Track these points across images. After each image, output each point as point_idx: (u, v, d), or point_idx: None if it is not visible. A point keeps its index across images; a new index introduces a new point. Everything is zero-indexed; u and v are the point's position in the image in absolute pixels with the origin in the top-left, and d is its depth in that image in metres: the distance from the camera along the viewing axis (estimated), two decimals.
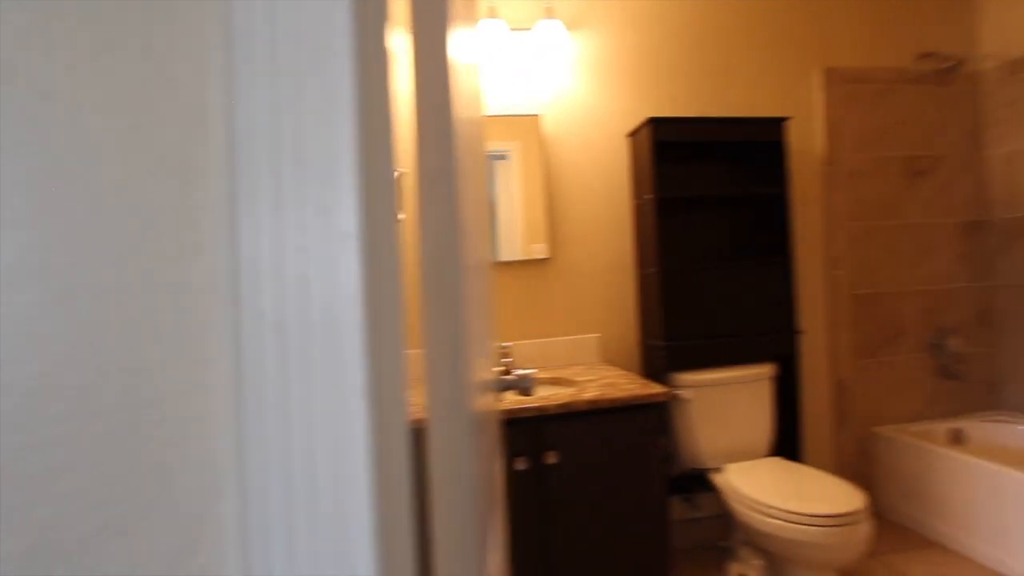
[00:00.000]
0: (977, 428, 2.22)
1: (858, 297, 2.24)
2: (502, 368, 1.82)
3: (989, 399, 2.36)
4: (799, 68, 2.21)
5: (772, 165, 1.97)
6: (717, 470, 1.82)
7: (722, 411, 1.85)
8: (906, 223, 2.30)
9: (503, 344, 1.86)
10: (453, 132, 0.41)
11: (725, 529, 1.93)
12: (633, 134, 1.99)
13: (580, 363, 1.98)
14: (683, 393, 1.83)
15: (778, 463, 1.79)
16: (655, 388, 1.48)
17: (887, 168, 2.28)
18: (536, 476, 1.39)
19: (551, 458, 1.39)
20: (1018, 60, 2.23)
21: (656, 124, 1.84)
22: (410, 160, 0.40)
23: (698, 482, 1.94)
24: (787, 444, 1.98)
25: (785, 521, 1.44)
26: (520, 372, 0.96)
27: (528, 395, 0.99)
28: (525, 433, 1.39)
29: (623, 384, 1.55)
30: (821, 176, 2.22)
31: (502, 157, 1.95)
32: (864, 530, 1.41)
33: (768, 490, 1.56)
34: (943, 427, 2.22)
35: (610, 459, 1.44)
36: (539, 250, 1.96)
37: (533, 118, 1.96)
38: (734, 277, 1.93)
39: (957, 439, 2.20)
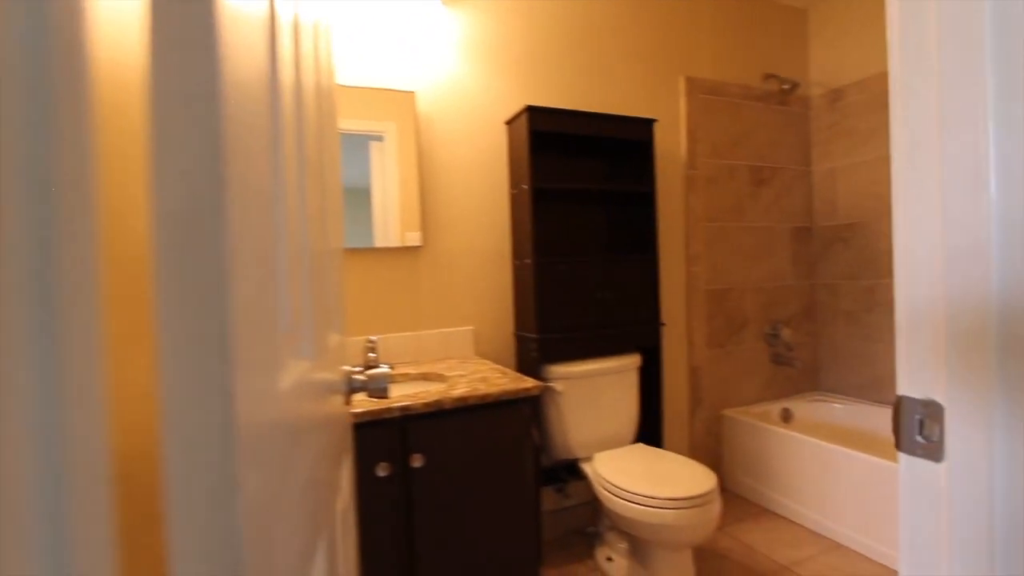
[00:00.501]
0: (802, 407, 2.55)
1: (711, 292, 2.44)
2: (365, 364, 1.68)
3: (811, 382, 2.73)
4: (667, 74, 2.33)
5: (642, 164, 2.06)
6: (587, 459, 1.85)
7: (592, 402, 1.89)
8: (750, 226, 2.55)
9: (370, 338, 1.71)
10: (220, 83, 0.29)
11: (594, 515, 1.99)
12: (511, 122, 1.94)
13: (454, 357, 1.90)
14: (555, 385, 1.83)
15: (641, 449, 1.87)
16: (527, 382, 1.45)
17: (736, 175, 2.51)
18: (401, 481, 1.28)
19: (417, 461, 1.29)
20: (836, 90, 2.58)
21: (533, 113, 1.81)
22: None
23: (569, 471, 1.97)
24: (649, 430, 2.09)
25: (644, 506, 1.50)
26: (372, 371, 0.84)
27: (384, 396, 0.87)
28: (388, 436, 1.27)
29: (495, 379, 1.50)
30: (682, 178, 2.38)
31: (378, 138, 1.80)
32: (715, 509, 1.51)
33: (630, 477, 1.62)
34: (776, 407, 2.52)
35: (481, 457, 1.37)
36: (413, 238, 1.84)
37: (409, 95, 1.82)
38: (605, 271, 1.98)
39: (786, 418, 2.51)
